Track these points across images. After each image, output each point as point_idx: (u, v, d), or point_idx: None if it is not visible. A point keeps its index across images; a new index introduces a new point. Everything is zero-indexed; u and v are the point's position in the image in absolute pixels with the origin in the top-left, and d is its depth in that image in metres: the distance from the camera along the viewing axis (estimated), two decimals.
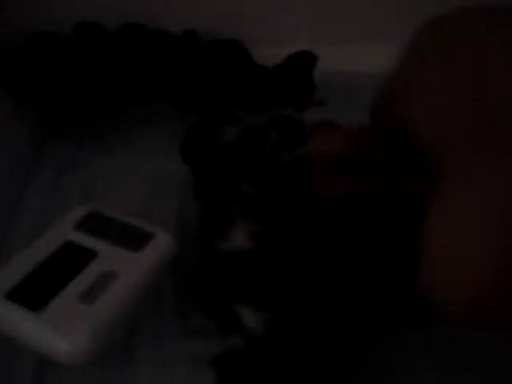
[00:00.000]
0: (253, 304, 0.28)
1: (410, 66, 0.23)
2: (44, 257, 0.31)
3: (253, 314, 0.28)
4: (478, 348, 0.29)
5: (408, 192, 0.24)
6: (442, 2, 0.54)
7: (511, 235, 0.16)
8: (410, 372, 0.29)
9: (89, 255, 0.31)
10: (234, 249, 0.30)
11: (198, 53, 0.49)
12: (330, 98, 0.50)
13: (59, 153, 0.48)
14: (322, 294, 0.28)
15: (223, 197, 0.32)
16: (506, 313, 0.17)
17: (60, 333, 0.28)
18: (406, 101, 0.22)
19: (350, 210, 0.27)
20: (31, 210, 0.42)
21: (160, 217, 0.39)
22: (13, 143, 0.46)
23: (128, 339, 0.32)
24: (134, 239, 0.32)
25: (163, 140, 0.45)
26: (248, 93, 0.49)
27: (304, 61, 0.49)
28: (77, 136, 0.49)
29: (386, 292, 0.27)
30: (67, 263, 0.31)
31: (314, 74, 0.49)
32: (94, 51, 0.48)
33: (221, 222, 0.31)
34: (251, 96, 0.49)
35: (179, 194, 0.41)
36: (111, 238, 0.32)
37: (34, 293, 0.29)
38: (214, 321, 0.31)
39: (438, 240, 0.18)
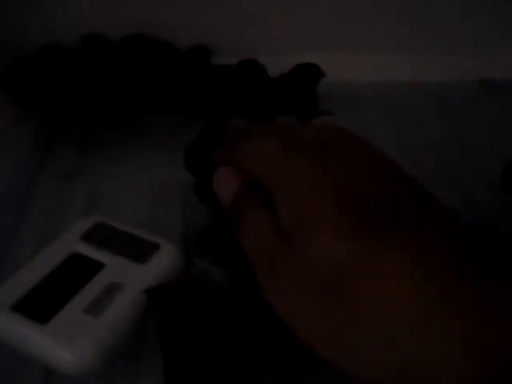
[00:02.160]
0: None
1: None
2: (50, 268, 0.31)
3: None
4: None
5: None
6: (439, 13, 0.55)
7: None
8: None
9: (95, 267, 0.32)
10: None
11: (205, 63, 0.49)
12: (332, 107, 0.51)
13: (63, 162, 0.48)
14: None
15: None
16: None
17: (66, 345, 0.28)
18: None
19: None
20: (36, 219, 0.42)
21: (165, 227, 0.39)
22: (17, 151, 0.46)
23: (134, 351, 0.32)
24: (139, 251, 0.33)
25: (167, 150, 0.45)
26: (252, 101, 0.49)
27: (308, 73, 0.50)
28: (81, 145, 0.49)
29: None
30: (73, 275, 0.31)
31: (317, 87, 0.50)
32: (100, 61, 0.48)
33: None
34: (255, 105, 0.49)
35: (184, 205, 0.41)
36: (117, 250, 0.33)
37: (40, 305, 0.29)
38: None
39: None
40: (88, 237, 0.34)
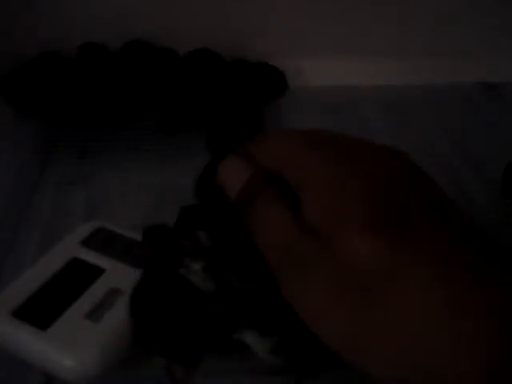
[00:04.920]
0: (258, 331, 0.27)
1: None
2: (51, 274, 0.32)
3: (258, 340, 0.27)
4: None
5: None
6: (439, 16, 0.55)
7: None
8: None
9: (95, 272, 0.32)
10: None
11: (205, 69, 0.49)
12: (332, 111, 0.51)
13: (63, 167, 0.48)
14: None
15: None
16: None
17: (66, 351, 0.28)
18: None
19: None
20: (36, 224, 0.42)
21: None
22: (16, 157, 0.46)
23: (135, 357, 0.32)
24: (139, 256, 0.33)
25: (167, 155, 0.45)
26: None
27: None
28: (80, 150, 0.49)
29: None
30: (74, 280, 0.31)
31: None
32: (98, 67, 0.48)
33: None
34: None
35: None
36: (117, 255, 0.33)
37: (41, 311, 0.29)
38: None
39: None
40: (88, 242, 0.34)
